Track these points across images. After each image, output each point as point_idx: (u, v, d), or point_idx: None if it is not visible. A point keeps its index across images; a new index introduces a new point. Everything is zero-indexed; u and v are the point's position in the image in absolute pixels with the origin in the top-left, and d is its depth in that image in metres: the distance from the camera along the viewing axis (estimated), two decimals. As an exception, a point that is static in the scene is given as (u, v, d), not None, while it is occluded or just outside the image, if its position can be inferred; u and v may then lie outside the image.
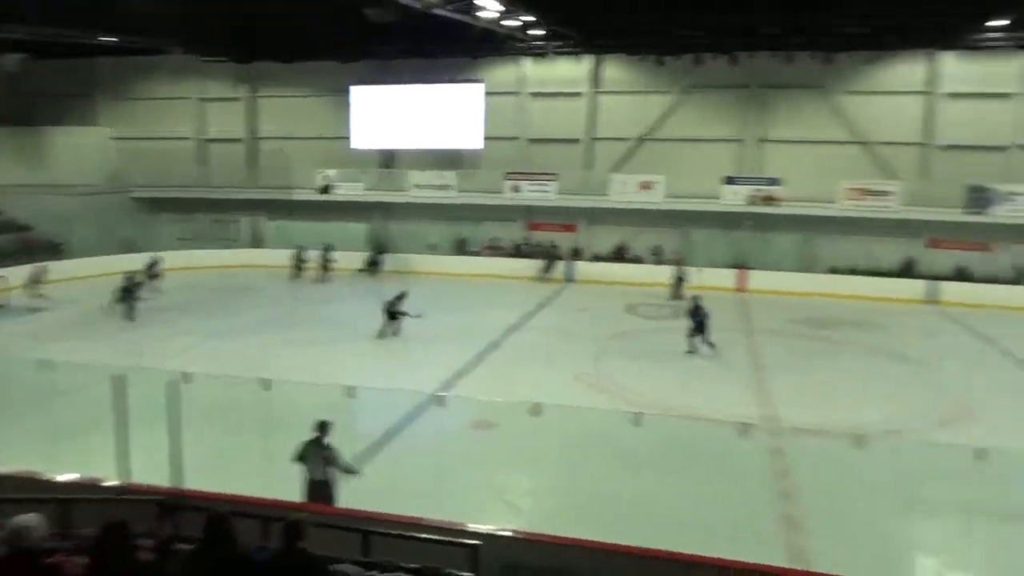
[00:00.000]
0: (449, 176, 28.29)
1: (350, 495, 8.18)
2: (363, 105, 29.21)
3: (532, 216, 28.49)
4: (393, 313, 17.89)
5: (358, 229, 28.52)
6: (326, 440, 8.34)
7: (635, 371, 15.91)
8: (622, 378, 15.29)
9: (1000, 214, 23.81)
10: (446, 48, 26.13)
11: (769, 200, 25.53)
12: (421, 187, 28.43)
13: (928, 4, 20.74)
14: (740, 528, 8.89)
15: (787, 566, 7.75)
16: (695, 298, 17.43)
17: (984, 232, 24.59)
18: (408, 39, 24.81)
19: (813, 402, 14.10)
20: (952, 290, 23.54)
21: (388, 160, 29.71)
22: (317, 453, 8.32)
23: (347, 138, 29.48)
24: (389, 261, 27.03)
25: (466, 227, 28.59)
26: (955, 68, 24.58)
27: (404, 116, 28.90)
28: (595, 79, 27.73)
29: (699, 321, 16.72)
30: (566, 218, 28.16)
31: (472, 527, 6.62)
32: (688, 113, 27.16)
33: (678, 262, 24.49)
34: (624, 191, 26.75)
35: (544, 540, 6.61)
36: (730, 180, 26.07)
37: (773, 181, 25.65)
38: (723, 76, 25.82)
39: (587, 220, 28.08)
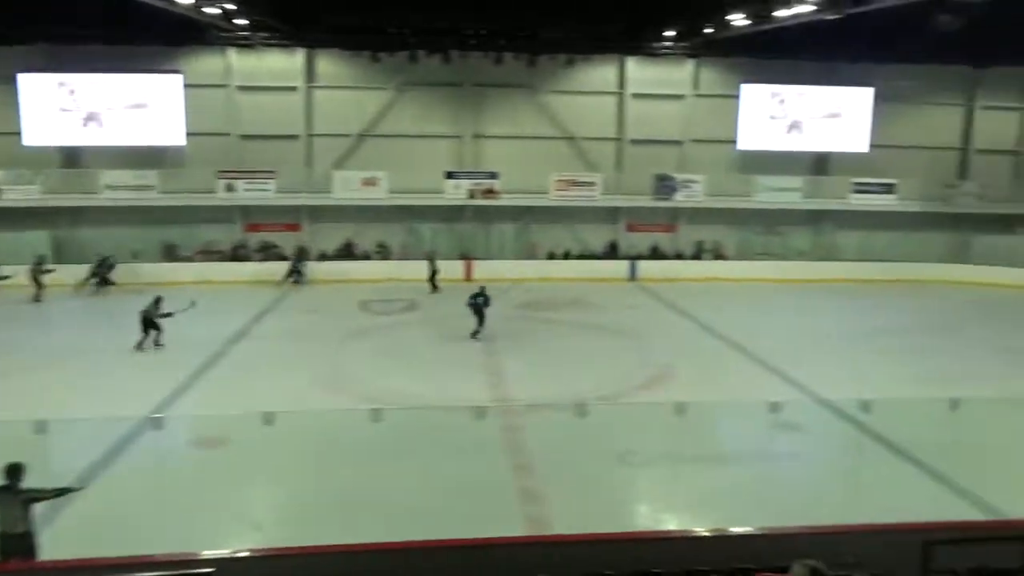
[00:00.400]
0: (150, 176, 25.50)
1: (55, 544, 7.00)
2: (36, 96, 25.17)
3: (250, 216, 26.86)
4: (152, 322, 16.03)
5: (37, 238, 24.50)
6: (21, 485, 7.02)
7: (373, 368, 15.73)
8: (360, 376, 15.01)
9: (680, 199, 27.47)
10: (139, 34, 23.43)
11: (489, 193, 26.77)
12: (115, 188, 25.22)
13: (614, 14, 23.25)
14: (483, 507, 9.16)
15: (530, 534, 8.17)
16: (481, 287, 18.22)
17: (670, 215, 28.36)
18: (93, 22, 21.82)
19: (540, 379, 15.05)
20: (649, 267, 26.68)
21: (72, 159, 26.02)
22: (9, 502, 6.97)
23: (17, 134, 25.25)
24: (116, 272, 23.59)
25: (175, 231, 26.11)
26: (639, 72, 27.69)
27: (91, 109, 25.46)
28: (309, 73, 26.81)
29: (477, 307, 17.66)
30: (288, 217, 26.98)
31: (207, 554, 5.99)
32: (406, 110, 27.42)
33: (430, 256, 24.62)
34: (347, 188, 26.27)
35: (289, 553, 6.20)
36: (450, 175, 26.86)
37: (492, 175, 26.91)
38: (437, 74, 26.46)
39: (310, 219, 27.18)
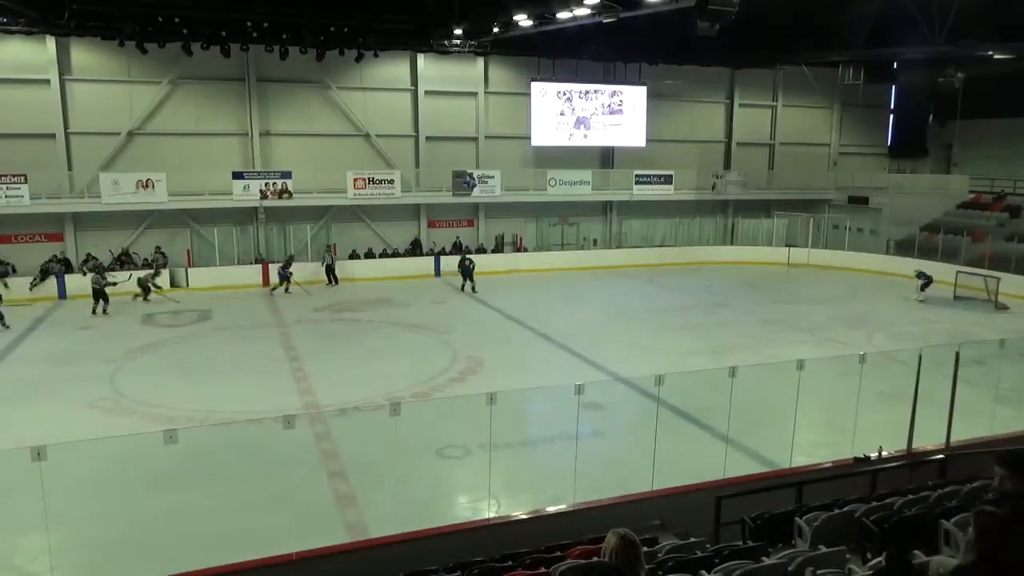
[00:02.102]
0: None
1: None
2: None
3: (1, 227, 23.51)
4: None
5: None
6: None
7: (163, 385, 14.39)
8: (148, 396, 13.68)
9: (479, 194, 27.98)
10: None
11: (282, 193, 25.55)
12: None
13: (402, 11, 23.11)
14: (300, 519, 8.73)
15: (349, 541, 7.91)
16: (465, 248, 19.13)
17: (470, 210, 28.81)
18: None
19: (349, 381, 14.62)
20: (453, 263, 26.87)
21: None
22: None
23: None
24: None
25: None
26: (431, 70, 27.75)
27: None
28: (62, 65, 23.85)
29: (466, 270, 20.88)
30: (47, 226, 23.96)
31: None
32: (183, 106, 25.37)
33: (328, 248, 25.50)
34: (118, 191, 23.77)
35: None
36: (238, 175, 25.27)
37: (285, 174, 25.68)
38: (217, 68, 24.74)
39: (74, 226, 24.35)
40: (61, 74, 23.78)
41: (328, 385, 14.38)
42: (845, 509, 6.50)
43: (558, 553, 6.15)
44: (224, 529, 8.76)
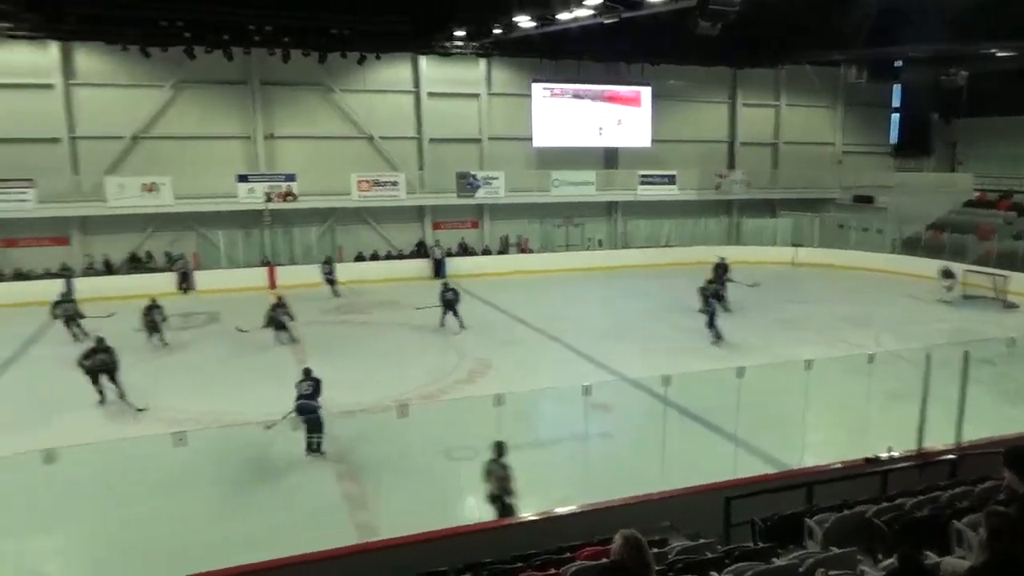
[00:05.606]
0: None
1: None
2: None
3: (6, 231, 23.61)
4: None
5: None
6: None
7: (171, 389, 14.44)
8: (157, 399, 13.73)
9: (482, 196, 28.01)
10: None
11: (287, 196, 25.60)
12: None
13: (403, 12, 23.11)
14: (311, 522, 8.77)
15: (357, 542, 7.92)
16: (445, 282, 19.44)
17: (474, 212, 28.84)
18: None
19: (359, 383, 14.63)
20: (458, 264, 26.91)
21: None
22: None
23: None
24: None
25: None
26: (433, 71, 27.77)
27: None
28: (67, 69, 23.94)
29: (449, 302, 18.96)
30: (53, 230, 24.07)
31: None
32: (187, 109, 25.45)
33: (327, 261, 24.55)
34: (124, 195, 23.90)
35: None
36: (243, 178, 25.34)
37: (289, 177, 25.74)
38: (220, 71, 24.80)
39: (81, 230, 24.44)
40: (65, 79, 23.88)
41: (336, 387, 14.33)
42: (856, 510, 6.49)
43: (568, 554, 6.15)
44: (233, 531, 8.79)
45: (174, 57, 23.66)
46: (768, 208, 32.24)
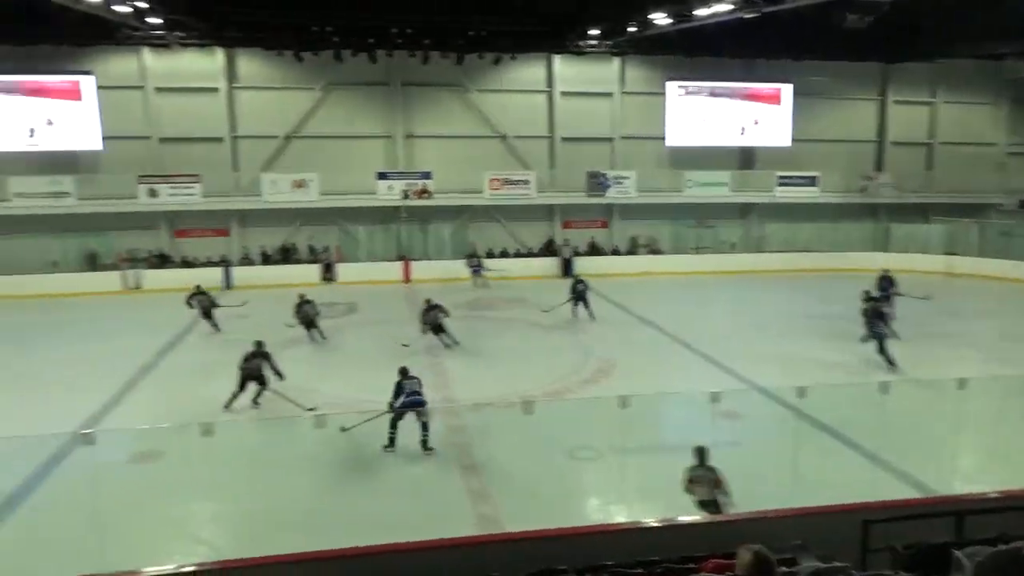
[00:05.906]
0: (66, 182, 24.36)
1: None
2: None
3: (177, 222, 25.94)
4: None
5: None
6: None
7: (313, 374, 15.31)
8: (300, 383, 14.59)
9: (612, 195, 27.84)
10: (39, 34, 21.91)
11: (423, 193, 26.54)
12: (26, 196, 24.03)
13: (539, 13, 23.33)
14: (434, 509, 9.08)
15: (482, 533, 8.12)
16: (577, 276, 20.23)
17: (603, 211, 28.73)
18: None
19: (485, 378, 14.99)
20: (586, 264, 26.85)
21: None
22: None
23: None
24: None
25: (95, 239, 25.01)
26: (567, 70, 27.89)
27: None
28: (230, 74, 26.02)
29: (580, 293, 19.79)
30: (215, 222, 26.19)
31: (149, 571, 5.72)
32: (334, 110, 26.94)
33: (473, 253, 25.58)
34: (277, 190, 25.69)
35: (239, 565, 5.97)
36: (382, 175, 26.52)
37: (425, 175, 26.68)
38: (364, 73, 26.08)
39: (239, 223, 26.44)
40: (229, 82, 25.93)
41: (463, 381, 14.78)
42: (1013, 545, 5.97)
43: (692, 565, 6.03)
44: (360, 512, 9.18)
45: (323, 61, 25.07)
46: (920, 213, 29.99)
